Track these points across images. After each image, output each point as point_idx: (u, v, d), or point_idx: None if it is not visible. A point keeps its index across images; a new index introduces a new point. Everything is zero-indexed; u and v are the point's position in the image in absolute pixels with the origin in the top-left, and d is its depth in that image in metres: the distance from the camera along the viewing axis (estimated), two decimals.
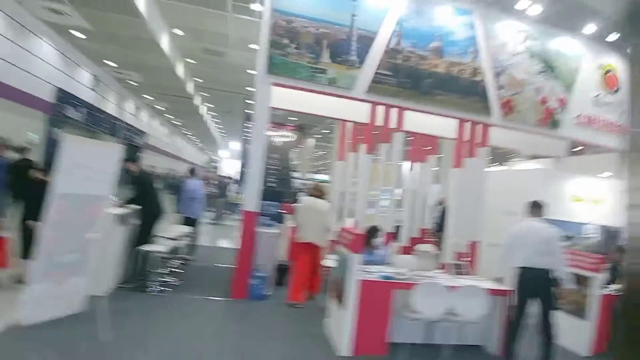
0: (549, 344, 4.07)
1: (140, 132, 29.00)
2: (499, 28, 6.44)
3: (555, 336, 4.09)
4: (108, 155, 4.15)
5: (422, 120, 6.78)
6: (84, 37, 16.48)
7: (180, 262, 6.26)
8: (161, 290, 5.16)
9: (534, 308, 4.15)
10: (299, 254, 5.38)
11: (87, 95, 20.14)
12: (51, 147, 16.98)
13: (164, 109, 30.92)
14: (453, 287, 4.08)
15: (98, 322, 3.66)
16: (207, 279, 6.00)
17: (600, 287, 4.82)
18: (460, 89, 6.20)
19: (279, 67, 5.52)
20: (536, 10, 7.72)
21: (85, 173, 3.90)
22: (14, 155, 6.47)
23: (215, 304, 5.02)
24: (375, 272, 4.20)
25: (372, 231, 4.94)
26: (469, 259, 5.81)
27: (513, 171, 7.72)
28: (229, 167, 30.89)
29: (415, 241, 7.97)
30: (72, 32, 16.27)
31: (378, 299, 3.99)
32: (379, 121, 5.99)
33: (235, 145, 36.16)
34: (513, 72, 6.47)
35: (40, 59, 16.17)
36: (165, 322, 4.22)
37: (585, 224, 6.86)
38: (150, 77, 21.43)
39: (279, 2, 5.52)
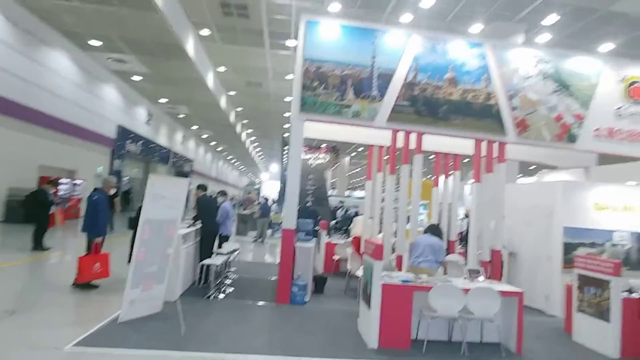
0: None
1: (188, 160, 31.31)
2: (511, 55, 7.06)
3: None
4: (180, 187, 5.26)
5: (442, 141, 7.51)
6: (141, 79, 18.55)
7: (231, 273, 7.28)
8: (218, 296, 6.15)
9: None
10: None
11: (142, 130, 22.42)
12: (115, 176, 19.11)
13: (208, 136, 33.24)
14: (467, 289, 4.71)
15: (179, 319, 4.65)
16: (255, 289, 6.92)
17: (622, 291, 5.16)
18: (474, 113, 6.86)
19: (310, 106, 6.50)
20: (546, 37, 8.23)
21: (164, 202, 5.00)
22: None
23: (263, 308, 5.92)
24: (397, 277, 4.92)
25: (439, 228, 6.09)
26: (482, 266, 6.33)
27: (533, 184, 8.09)
28: (269, 188, 32.31)
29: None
30: (132, 77, 18.42)
31: (400, 300, 4.70)
32: (401, 144, 6.79)
33: (274, 168, 37.72)
34: (527, 93, 7.04)
35: (106, 101, 18.40)
36: (225, 320, 5.16)
37: (615, 231, 7.10)
38: (196, 110, 23.43)
39: (310, 52, 6.55)
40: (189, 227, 6.84)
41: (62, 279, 6.25)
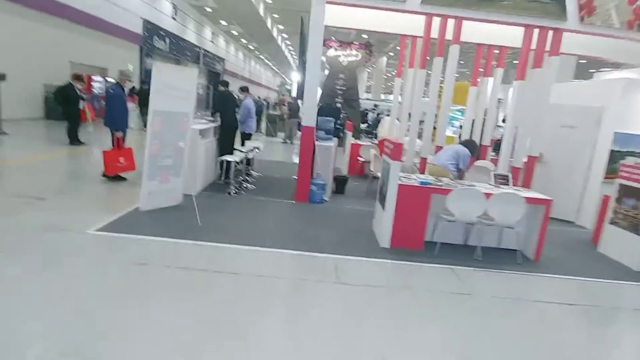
0: None
1: (219, 59, 30.39)
2: None
3: None
4: (189, 77, 4.96)
5: (485, 29, 6.49)
6: None
7: (251, 171, 7.32)
8: (237, 192, 6.26)
9: None
10: None
11: (169, 24, 21.47)
12: (146, 75, 19.02)
13: (238, 33, 31.60)
14: (489, 194, 4.40)
15: (196, 211, 4.78)
16: (276, 187, 6.97)
17: None
18: None
19: None
20: None
21: (174, 93, 4.77)
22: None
23: (281, 204, 5.99)
24: (416, 179, 4.66)
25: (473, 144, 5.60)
26: (513, 172, 5.90)
27: (586, 82, 7.05)
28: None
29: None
30: None
31: (415, 201, 4.50)
32: (436, 34, 5.91)
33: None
34: None
35: None
36: (242, 214, 5.27)
37: None
38: (224, 2, 21.73)
39: None
40: (207, 122, 6.72)
41: (94, 171, 6.54)
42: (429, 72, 6.46)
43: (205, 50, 26.93)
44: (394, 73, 37.40)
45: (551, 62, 5.97)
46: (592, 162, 6.49)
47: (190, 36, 24.67)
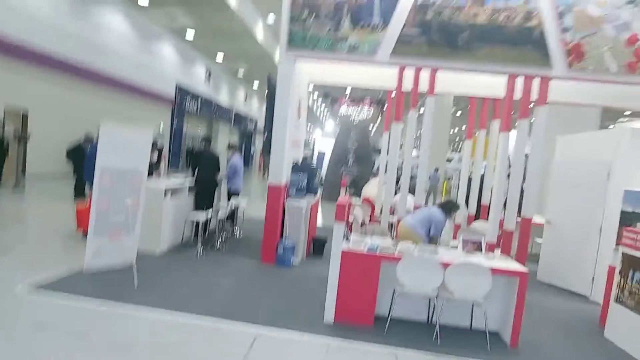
0: None
1: (251, 119, 31.82)
2: None
3: None
4: (142, 136, 4.95)
5: (465, 80, 6.12)
6: (193, 34, 18.63)
7: (226, 229, 7.05)
8: (205, 252, 5.96)
9: None
10: None
11: (202, 89, 23.05)
12: (176, 135, 20.21)
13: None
14: (447, 263, 3.74)
15: (133, 271, 4.52)
16: (253, 246, 6.58)
17: None
18: (508, 39, 5.31)
19: (299, 42, 5.59)
20: None
21: (126, 151, 4.75)
22: None
23: (245, 266, 5.57)
24: (365, 244, 4.12)
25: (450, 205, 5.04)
26: (505, 237, 5.13)
27: (589, 134, 6.25)
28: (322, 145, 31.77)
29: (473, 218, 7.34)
30: (186, 34, 18.59)
31: (363, 270, 3.93)
32: (408, 86, 5.61)
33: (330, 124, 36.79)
34: (585, 8, 5.22)
35: (163, 60, 19.02)
36: (194, 277, 4.93)
37: None
38: (254, 65, 23.10)
39: None
40: (181, 180, 6.67)
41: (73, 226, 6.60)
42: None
43: (237, 111, 28.43)
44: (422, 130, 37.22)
45: (539, 112, 5.38)
46: (603, 225, 5.55)
47: (223, 98, 26.26)
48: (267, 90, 7.34)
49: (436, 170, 15.40)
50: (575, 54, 5.24)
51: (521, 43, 5.29)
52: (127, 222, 4.93)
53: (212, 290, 4.54)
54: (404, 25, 5.41)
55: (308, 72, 6.67)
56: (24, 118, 11.75)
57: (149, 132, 5.08)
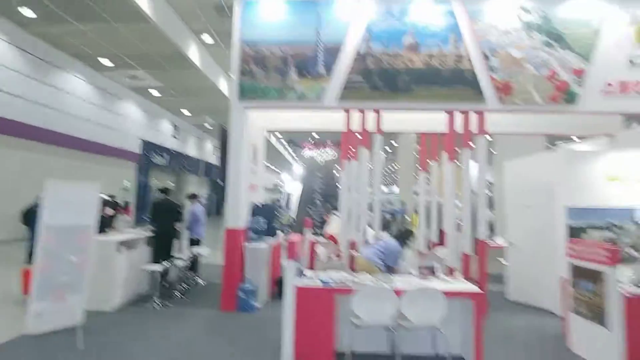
0: None
1: (219, 168, 31.82)
2: (486, 9, 5.92)
3: None
4: (88, 192, 4.92)
5: (411, 119, 6.55)
6: (158, 93, 19.06)
7: (187, 279, 6.85)
8: (161, 304, 5.73)
9: None
10: None
11: (170, 143, 23.12)
12: (142, 189, 19.87)
13: None
14: (400, 291, 3.80)
15: (77, 333, 4.26)
16: (213, 295, 6.37)
17: (619, 286, 3.95)
18: (443, 80, 5.81)
19: (250, 92, 5.91)
20: None
21: (71, 208, 4.67)
22: None
23: (203, 316, 5.38)
24: (319, 279, 4.13)
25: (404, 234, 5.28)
26: (465, 260, 5.28)
27: (530, 158, 6.74)
28: (292, 188, 31.96)
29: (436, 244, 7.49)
30: (151, 91, 18.99)
31: (318, 305, 3.91)
32: (356, 127, 5.94)
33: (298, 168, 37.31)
34: (508, 50, 5.84)
35: (128, 118, 19.13)
36: (146, 332, 4.70)
37: (636, 209, 5.62)
38: (221, 119, 23.50)
39: (245, 33, 5.95)
40: (141, 231, 6.55)
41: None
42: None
43: (206, 162, 28.49)
44: (395, 167, 38.24)
45: (479, 142, 5.79)
46: (555, 242, 5.82)
47: (191, 151, 26.34)
48: (220, 141, 7.53)
49: (403, 204, 15.76)
50: (504, 90, 5.78)
51: (456, 83, 5.80)
52: (73, 281, 4.75)
53: (162, 347, 4.33)
54: (349, 72, 5.85)
55: (264, 119, 6.96)
56: None
57: (95, 187, 5.05)
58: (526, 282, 6.28)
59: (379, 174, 5.93)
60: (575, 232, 5.42)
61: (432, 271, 4.43)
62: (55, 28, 12.22)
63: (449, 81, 5.80)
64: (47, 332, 4.40)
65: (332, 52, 5.89)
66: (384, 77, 5.84)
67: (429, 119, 6.58)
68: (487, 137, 6.13)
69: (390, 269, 4.84)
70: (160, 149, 21.44)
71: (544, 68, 5.78)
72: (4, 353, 3.95)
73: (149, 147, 20.38)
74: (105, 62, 15.08)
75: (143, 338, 4.55)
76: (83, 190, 4.88)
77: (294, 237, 4.52)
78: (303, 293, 3.92)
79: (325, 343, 3.87)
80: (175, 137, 23.56)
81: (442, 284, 4.16)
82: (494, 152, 11.38)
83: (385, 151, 30.62)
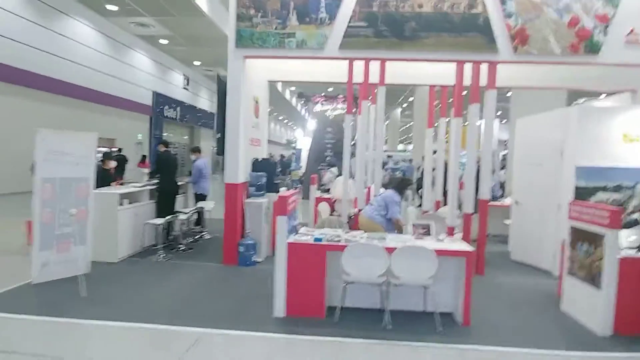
0: None
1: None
2: None
3: None
4: (85, 142, 4.90)
5: (416, 69, 6.18)
6: (167, 42, 18.52)
7: (192, 233, 7.00)
8: (165, 257, 5.91)
9: None
10: None
11: (181, 95, 22.90)
12: (156, 143, 20.02)
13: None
14: (392, 248, 3.75)
15: (80, 281, 4.44)
16: (217, 249, 6.52)
17: (618, 248, 3.81)
18: (453, 27, 5.36)
19: (247, 40, 5.59)
20: None
21: (67, 159, 4.69)
22: None
23: (204, 269, 5.52)
24: (310, 235, 4.12)
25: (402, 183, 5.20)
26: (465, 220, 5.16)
27: (543, 115, 6.33)
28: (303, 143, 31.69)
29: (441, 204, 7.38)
30: (160, 41, 18.49)
31: (310, 261, 3.92)
32: (359, 78, 5.64)
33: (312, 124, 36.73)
34: None
35: (138, 68, 18.83)
36: (147, 283, 4.86)
37: None
38: None
39: None
40: (143, 185, 6.62)
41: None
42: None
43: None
44: (411, 123, 37.33)
45: (489, 96, 5.44)
46: (561, 201, 5.62)
47: (204, 103, 26.10)
48: (217, 91, 7.30)
49: (410, 161, 15.52)
50: (519, 38, 5.31)
51: (467, 30, 5.35)
52: (76, 233, 4.87)
53: (161, 296, 4.48)
54: (351, 18, 5.44)
55: (265, 69, 6.67)
56: None
57: (91, 138, 5.02)
58: (528, 242, 6.17)
59: (381, 129, 5.71)
60: (582, 193, 5.20)
61: (427, 230, 4.35)
62: None
63: (460, 28, 5.35)
64: (52, 281, 4.62)
65: None
66: (390, 23, 5.42)
67: (440, 70, 6.18)
68: (507, 93, 5.74)
69: (392, 222, 4.80)
70: (172, 101, 21.29)
71: (565, 13, 5.25)
72: (8, 300, 4.16)
73: (161, 100, 20.25)
74: (111, 7, 14.62)
75: (144, 288, 4.72)
76: (78, 140, 4.86)
77: (286, 192, 4.46)
78: (294, 249, 3.92)
79: (317, 297, 3.92)
80: (186, 89, 23.28)
81: (434, 242, 4.10)
82: (511, 108, 10.82)
83: (402, 107, 29.77)
